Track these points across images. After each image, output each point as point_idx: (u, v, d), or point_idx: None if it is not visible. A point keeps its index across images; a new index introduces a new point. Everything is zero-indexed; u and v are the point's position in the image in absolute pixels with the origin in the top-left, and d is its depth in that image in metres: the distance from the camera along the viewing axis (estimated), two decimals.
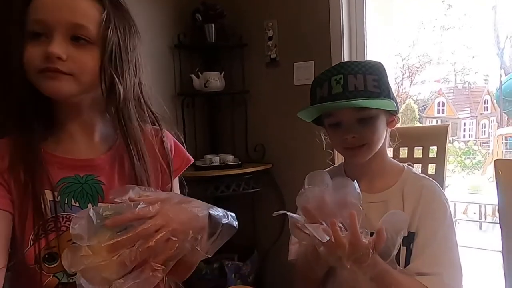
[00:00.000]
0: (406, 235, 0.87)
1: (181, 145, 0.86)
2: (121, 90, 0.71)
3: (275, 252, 2.16)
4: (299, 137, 2.08)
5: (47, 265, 0.69)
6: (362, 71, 0.86)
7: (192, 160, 0.87)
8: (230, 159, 2.14)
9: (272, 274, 2.23)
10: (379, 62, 0.92)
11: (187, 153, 0.87)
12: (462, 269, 0.84)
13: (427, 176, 0.94)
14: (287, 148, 2.17)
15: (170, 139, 0.84)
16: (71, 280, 0.68)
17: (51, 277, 0.69)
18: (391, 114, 0.91)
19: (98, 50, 0.69)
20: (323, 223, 0.71)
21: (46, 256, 0.69)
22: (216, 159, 2.12)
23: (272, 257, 2.21)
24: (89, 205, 0.73)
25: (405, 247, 0.88)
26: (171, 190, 0.82)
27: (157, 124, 0.82)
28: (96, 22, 0.68)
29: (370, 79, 0.86)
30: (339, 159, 1.10)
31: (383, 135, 0.90)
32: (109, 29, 0.69)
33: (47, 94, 0.69)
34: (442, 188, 1.15)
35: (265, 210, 2.26)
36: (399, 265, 0.88)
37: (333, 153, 1.13)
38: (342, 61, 1.94)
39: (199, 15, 2.16)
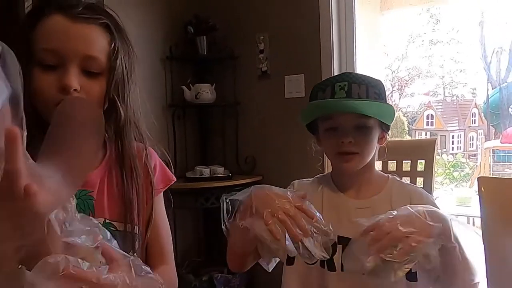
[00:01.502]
0: None
1: (164, 164, 0.87)
2: (123, 113, 0.73)
3: None
4: (289, 149, 2.09)
5: None
6: (365, 83, 0.89)
7: (175, 179, 0.88)
8: (220, 170, 2.14)
9: (262, 286, 2.22)
10: (380, 80, 0.94)
11: (170, 171, 0.88)
12: None
13: (411, 184, 0.95)
14: (277, 160, 2.17)
15: (154, 158, 0.85)
16: None
17: None
18: (383, 130, 0.93)
19: (105, 78, 0.71)
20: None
21: None
22: (206, 171, 2.12)
23: (261, 269, 2.20)
24: None
25: None
26: (152, 207, 0.82)
27: (142, 141, 0.82)
28: (106, 52, 0.70)
29: (372, 91, 0.89)
30: (329, 165, 1.11)
31: (375, 148, 0.92)
32: (118, 60, 0.71)
33: None
34: None
35: None
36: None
37: (323, 159, 1.13)
38: (332, 74, 1.97)
39: (191, 27, 2.18)
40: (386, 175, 0.97)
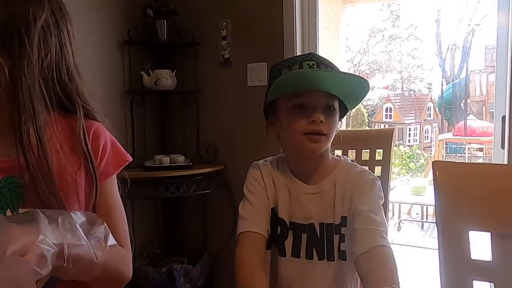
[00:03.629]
0: (338, 222, 0.88)
1: (117, 143, 0.79)
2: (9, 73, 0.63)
3: (226, 255, 2.13)
4: (251, 138, 2.07)
5: None
6: (331, 66, 0.88)
7: (130, 159, 0.81)
8: (180, 159, 2.09)
9: (223, 277, 2.21)
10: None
11: (125, 151, 0.81)
12: None
13: (361, 166, 0.95)
14: (239, 149, 2.15)
15: (106, 136, 0.77)
16: None
17: None
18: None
19: None
20: None
21: None
22: (166, 160, 2.06)
23: (223, 259, 2.18)
24: (8, 212, 0.65)
25: (337, 235, 0.89)
26: (96, 191, 0.73)
27: (86, 117, 0.74)
28: None
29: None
30: None
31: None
32: None
33: None
34: (387, 190, 1.18)
35: (217, 212, 2.23)
36: (333, 253, 0.89)
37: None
38: None
39: (151, 10, 2.10)
40: (338, 158, 0.97)
